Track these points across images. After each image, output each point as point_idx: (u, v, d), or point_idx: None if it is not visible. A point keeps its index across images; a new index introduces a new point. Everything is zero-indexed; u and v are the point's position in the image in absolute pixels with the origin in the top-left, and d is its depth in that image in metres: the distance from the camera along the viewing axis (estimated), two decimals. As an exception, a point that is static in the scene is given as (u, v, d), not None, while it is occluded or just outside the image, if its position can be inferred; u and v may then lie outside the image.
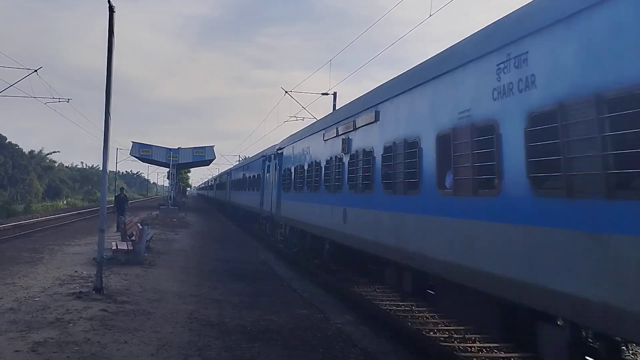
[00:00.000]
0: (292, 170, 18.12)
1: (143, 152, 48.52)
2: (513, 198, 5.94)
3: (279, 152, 20.89)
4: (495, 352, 8.50)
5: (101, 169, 12.00)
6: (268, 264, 17.35)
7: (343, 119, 12.75)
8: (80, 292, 10.82)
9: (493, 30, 6.93)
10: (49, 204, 59.11)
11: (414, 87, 8.87)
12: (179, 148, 49.14)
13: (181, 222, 34.08)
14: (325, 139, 14.08)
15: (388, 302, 11.91)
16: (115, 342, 7.59)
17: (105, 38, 11.25)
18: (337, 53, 39.15)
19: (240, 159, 59.85)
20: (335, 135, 13.10)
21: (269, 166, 23.44)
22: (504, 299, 6.22)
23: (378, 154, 10.12)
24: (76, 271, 13.59)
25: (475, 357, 8.33)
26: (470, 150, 6.77)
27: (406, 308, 11.36)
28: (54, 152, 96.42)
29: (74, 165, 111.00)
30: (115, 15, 11.27)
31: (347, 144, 12.10)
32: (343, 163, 12.29)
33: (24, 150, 72.85)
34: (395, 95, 9.59)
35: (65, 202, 68.25)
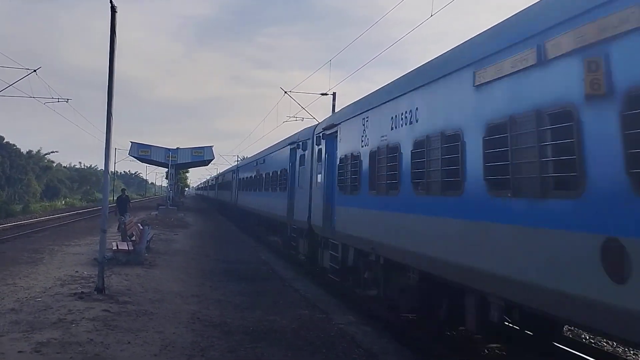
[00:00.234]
0: (363, 159, 10.81)
1: (142, 152, 48.49)
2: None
3: (329, 132, 13.70)
4: (497, 352, 8.52)
5: (100, 168, 12.02)
6: (269, 264, 17.36)
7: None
8: (82, 292, 10.80)
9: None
10: (47, 204, 59.00)
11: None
12: (177, 148, 49.14)
13: (180, 222, 34.10)
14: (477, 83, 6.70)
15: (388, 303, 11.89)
16: (118, 343, 7.59)
17: (106, 38, 11.28)
18: (337, 53, 38.88)
19: (240, 159, 59.66)
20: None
21: (302, 157, 16.91)
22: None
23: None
24: (77, 271, 13.57)
25: (478, 358, 8.34)
26: None
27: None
28: (52, 152, 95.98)
29: (72, 165, 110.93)
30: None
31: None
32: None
33: (22, 150, 72.67)
34: None
35: (63, 202, 68.12)
